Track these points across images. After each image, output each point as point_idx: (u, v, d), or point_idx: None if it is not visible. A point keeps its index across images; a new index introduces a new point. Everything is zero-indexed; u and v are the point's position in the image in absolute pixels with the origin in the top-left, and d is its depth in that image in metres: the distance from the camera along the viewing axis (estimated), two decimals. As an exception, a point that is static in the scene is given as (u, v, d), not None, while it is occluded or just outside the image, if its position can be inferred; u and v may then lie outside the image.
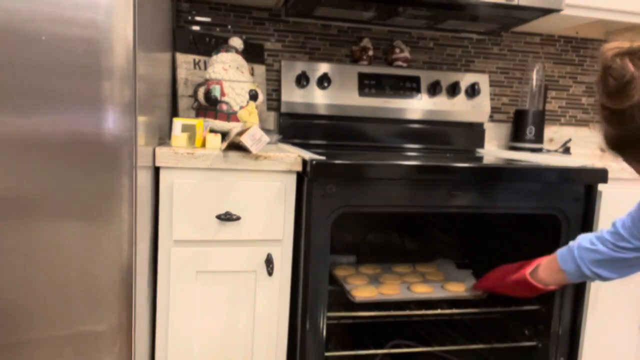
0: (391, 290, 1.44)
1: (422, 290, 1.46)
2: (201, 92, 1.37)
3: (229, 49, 1.44)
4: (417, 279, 1.55)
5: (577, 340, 1.39)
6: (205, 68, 1.59)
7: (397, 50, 1.84)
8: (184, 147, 1.21)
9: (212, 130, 1.37)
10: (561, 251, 1.19)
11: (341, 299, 1.53)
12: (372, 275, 1.57)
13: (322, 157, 1.18)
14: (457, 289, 1.48)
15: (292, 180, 1.23)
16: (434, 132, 1.84)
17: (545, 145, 2.06)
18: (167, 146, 1.20)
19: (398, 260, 1.72)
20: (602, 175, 1.31)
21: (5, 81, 0.86)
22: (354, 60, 1.85)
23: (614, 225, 1.12)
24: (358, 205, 1.21)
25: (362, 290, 1.42)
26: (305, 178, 1.19)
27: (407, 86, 1.81)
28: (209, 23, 1.75)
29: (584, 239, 1.14)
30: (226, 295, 1.23)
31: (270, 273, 1.22)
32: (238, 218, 1.19)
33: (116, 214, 0.94)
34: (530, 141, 1.92)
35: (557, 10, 1.54)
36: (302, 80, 1.70)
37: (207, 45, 1.63)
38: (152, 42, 1.13)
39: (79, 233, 0.93)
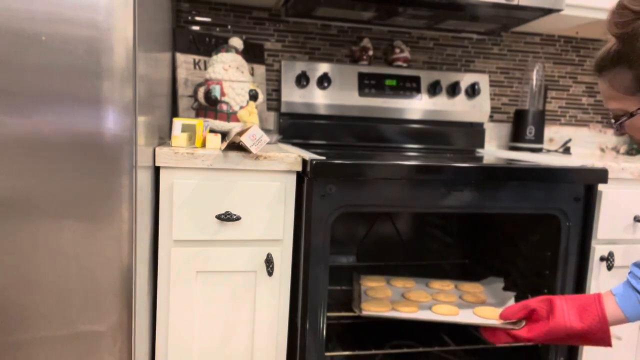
0: (408, 308, 1.31)
1: (443, 313, 1.29)
2: (201, 92, 1.37)
3: (229, 49, 1.44)
4: (450, 298, 1.40)
5: (577, 340, 1.39)
6: (205, 68, 1.59)
7: (397, 50, 1.84)
8: (184, 147, 1.21)
9: (212, 130, 1.37)
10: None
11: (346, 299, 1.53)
12: (400, 289, 1.47)
13: (322, 157, 1.18)
14: (489, 314, 1.26)
15: (292, 180, 1.23)
16: (434, 132, 1.84)
17: (545, 145, 2.06)
18: (167, 146, 1.20)
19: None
20: (602, 175, 1.31)
21: (5, 81, 0.86)
22: (354, 60, 1.85)
23: None
24: (358, 205, 1.21)
25: (373, 305, 1.32)
26: (305, 178, 1.19)
27: (407, 86, 1.81)
28: (209, 23, 1.75)
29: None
30: (226, 295, 1.23)
31: (270, 273, 1.21)
32: (238, 218, 1.19)
33: (116, 214, 0.94)
34: (530, 141, 1.92)
35: (557, 10, 1.54)
36: (302, 80, 1.70)
37: (207, 45, 1.63)
38: (152, 42, 1.12)
39: (79, 233, 0.93)
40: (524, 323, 1.11)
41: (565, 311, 1.02)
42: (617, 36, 0.86)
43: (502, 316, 1.15)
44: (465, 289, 1.48)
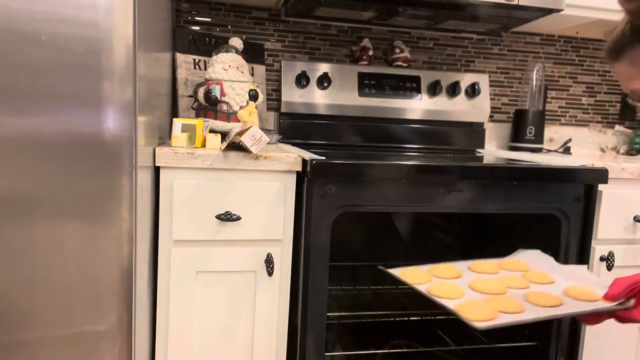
0: (513, 305, 0.98)
1: (546, 304, 0.99)
2: (201, 92, 1.37)
3: (229, 49, 1.44)
4: (523, 283, 1.09)
5: (577, 340, 1.39)
6: (205, 68, 1.59)
7: (397, 50, 1.84)
8: (184, 147, 1.21)
9: (212, 130, 1.37)
10: None
11: (344, 299, 1.52)
12: (458, 281, 1.10)
13: (322, 157, 1.18)
14: (582, 295, 1.01)
15: (292, 180, 1.23)
16: (434, 132, 1.84)
17: (545, 145, 2.06)
18: (167, 146, 1.20)
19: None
20: (602, 175, 1.31)
21: (5, 81, 0.86)
22: (354, 60, 1.85)
23: None
24: (358, 205, 1.21)
25: (475, 313, 0.93)
26: (305, 178, 1.19)
27: (407, 86, 1.81)
28: (209, 23, 1.75)
29: None
30: (226, 295, 1.23)
31: (270, 273, 1.21)
32: (238, 218, 1.19)
33: (116, 214, 0.94)
34: (530, 141, 1.92)
35: (557, 10, 1.54)
36: (302, 80, 1.70)
37: (207, 45, 1.63)
38: (152, 42, 1.12)
39: (79, 233, 0.93)
40: (632, 302, 0.96)
41: None
42: (630, 11, 0.84)
43: (607, 297, 0.98)
44: (517, 269, 1.18)
